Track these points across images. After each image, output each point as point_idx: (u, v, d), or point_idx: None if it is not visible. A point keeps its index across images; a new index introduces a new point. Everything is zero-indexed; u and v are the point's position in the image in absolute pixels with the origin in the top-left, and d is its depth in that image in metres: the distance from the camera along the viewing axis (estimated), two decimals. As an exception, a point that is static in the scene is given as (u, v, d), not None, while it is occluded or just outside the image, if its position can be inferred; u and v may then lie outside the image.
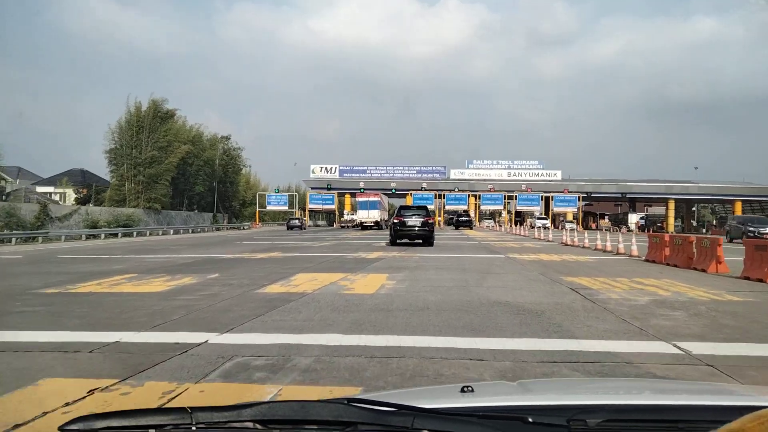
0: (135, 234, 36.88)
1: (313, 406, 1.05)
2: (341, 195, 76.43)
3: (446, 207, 71.48)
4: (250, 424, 1.03)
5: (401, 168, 76.29)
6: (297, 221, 50.55)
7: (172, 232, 42.01)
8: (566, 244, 23.32)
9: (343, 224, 59.55)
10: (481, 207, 72.43)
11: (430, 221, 21.00)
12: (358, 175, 74.88)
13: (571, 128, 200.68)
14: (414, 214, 21.08)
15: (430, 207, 69.48)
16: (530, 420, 1.08)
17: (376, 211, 46.69)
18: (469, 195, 70.89)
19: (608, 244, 18.87)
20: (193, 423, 1.01)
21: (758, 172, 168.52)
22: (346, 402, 1.08)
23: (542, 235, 29.91)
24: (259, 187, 77.69)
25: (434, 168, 76.09)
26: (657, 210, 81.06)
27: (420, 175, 75.00)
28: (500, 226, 63.80)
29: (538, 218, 56.89)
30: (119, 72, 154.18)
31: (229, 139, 61.57)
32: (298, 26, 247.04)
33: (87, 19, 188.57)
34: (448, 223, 72.61)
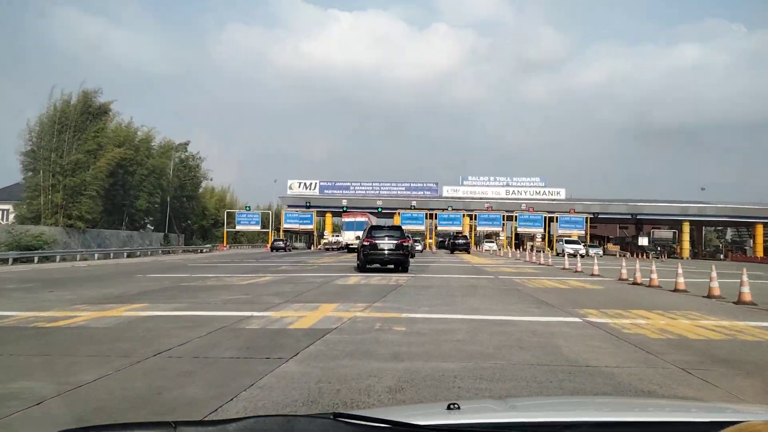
0: (36, 260, 28.15)
1: (299, 422, 1.04)
2: (321, 214, 67.97)
3: (438, 228, 62.97)
4: None
5: (388, 184, 67.87)
6: (281, 243, 50.80)
7: (97, 256, 33.28)
8: (635, 283, 15.13)
9: (327, 246, 53.47)
10: (477, 228, 64.02)
11: (404, 243, 18.95)
12: (340, 191, 66.62)
13: (564, 149, 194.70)
14: (387, 236, 18.79)
15: (420, 228, 61.76)
16: None
17: (363, 232, 40.45)
18: (463, 215, 62.51)
19: (715, 284, 10.60)
20: None
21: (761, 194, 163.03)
22: (332, 417, 1.05)
23: (579, 265, 21.61)
24: (237, 206, 69.23)
25: (425, 185, 67.87)
26: (662, 233, 72.63)
27: (409, 193, 66.70)
28: (500, 250, 55.47)
29: (568, 242, 46.31)
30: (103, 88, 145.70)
31: (187, 146, 52.85)
32: (289, 48, 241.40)
33: (76, 37, 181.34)
34: (440, 246, 63.89)
